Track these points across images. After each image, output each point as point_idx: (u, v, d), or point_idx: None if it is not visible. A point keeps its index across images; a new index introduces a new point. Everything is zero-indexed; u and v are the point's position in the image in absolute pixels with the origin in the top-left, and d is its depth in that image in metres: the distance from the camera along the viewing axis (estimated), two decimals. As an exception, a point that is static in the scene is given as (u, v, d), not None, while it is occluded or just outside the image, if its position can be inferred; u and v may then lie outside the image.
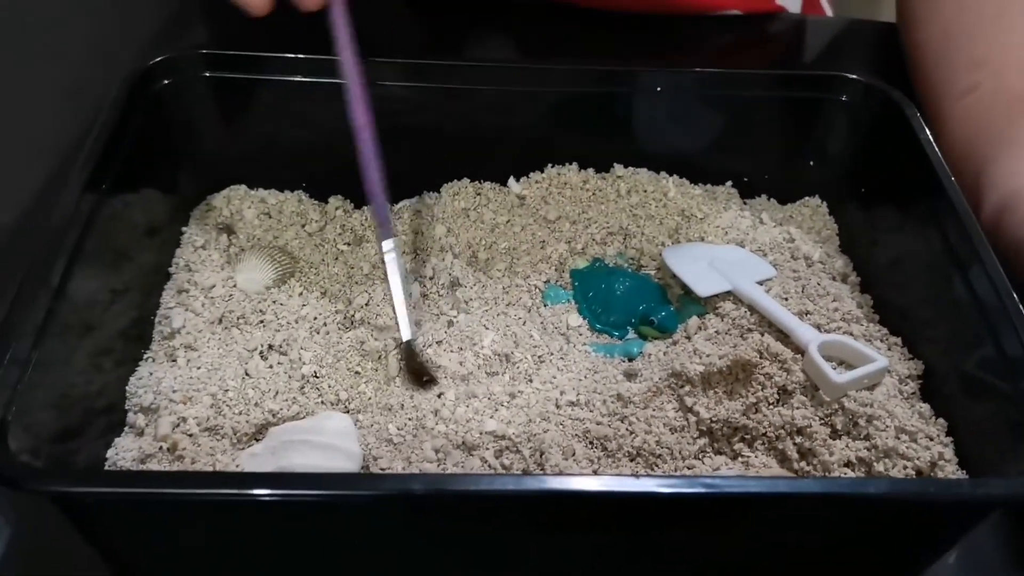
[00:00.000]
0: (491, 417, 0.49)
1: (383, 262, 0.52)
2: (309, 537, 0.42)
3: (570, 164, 0.64)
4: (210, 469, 0.46)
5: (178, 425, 0.48)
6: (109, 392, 0.49)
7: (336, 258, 0.59)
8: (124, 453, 0.47)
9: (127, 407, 0.49)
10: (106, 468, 0.46)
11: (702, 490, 0.39)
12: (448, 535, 0.43)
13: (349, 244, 0.60)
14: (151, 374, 0.51)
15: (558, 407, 0.49)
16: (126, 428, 0.49)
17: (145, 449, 0.47)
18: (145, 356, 0.52)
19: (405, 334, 0.51)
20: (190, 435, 0.47)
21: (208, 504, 0.39)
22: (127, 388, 0.50)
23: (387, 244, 0.53)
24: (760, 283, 0.56)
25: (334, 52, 0.54)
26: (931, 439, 0.48)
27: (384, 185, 0.53)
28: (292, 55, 0.58)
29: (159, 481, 0.40)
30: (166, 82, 0.58)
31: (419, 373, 0.50)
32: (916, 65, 0.68)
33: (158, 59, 0.57)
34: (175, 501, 0.39)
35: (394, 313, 0.52)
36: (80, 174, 0.50)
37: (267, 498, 0.38)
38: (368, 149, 0.53)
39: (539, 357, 0.53)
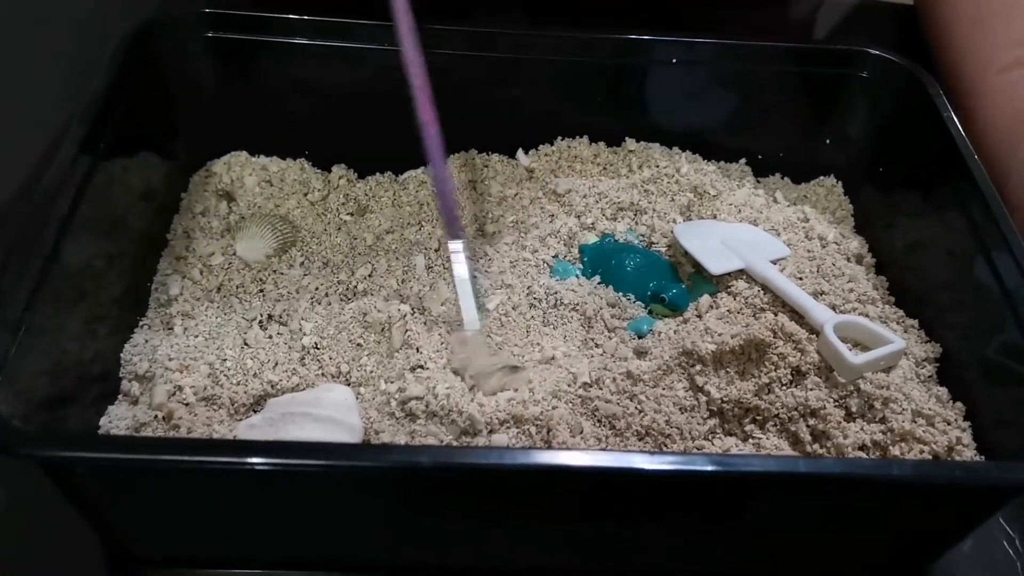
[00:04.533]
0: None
1: (450, 262, 0.49)
2: (307, 512, 0.41)
3: (581, 137, 0.62)
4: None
5: (174, 394, 0.46)
6: (103, 359, 0.48)
7: (339, 228, 0.57)
8: (117, 421, 0.45)
9: (121, 375, 0.48)
10: (99, 435, 0.45)
11: (715, 468, 0.37)
12: (453, 510, 0.42)
13: (352, 214, 0.58)
14: (147, 342, 0.49)
15: (567, 384, 0.48)
16: (120, 396, 0.47)
17: (139, 418, 0.45)
18: (141, 323, 0.51)
19: (473, 326, 0.48)
20: (186, 404, 0.46)
21: (204, 472, 0.38)
22: (121, 355, 0.48)
23: (454, 245, 0.49)
24: (774, 262, 0.54)
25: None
26: (948, 423, 0.47)
27: (453, 183, 0.50)
28: (298, 16, 0.56)
29: (154, 448, 0.38)
30: (166, 42, 0.56)
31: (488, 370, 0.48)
32: (945, 44, 0.66)
33: (157, 18, 0.55)
34: (170, 469, 0.37)
35: (460, 313, 0.49)
36: (75, 136, 0.48)
37: (265, 467, 0.36)
38: (435, 145, 0.50)
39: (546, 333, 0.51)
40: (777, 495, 0.40)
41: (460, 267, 0.49)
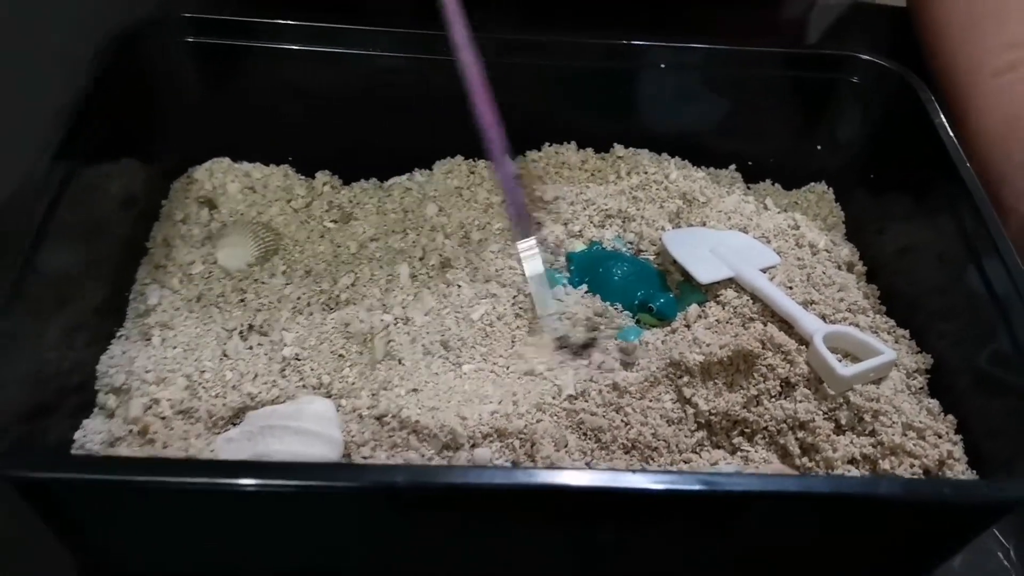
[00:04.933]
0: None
1: (519, 263, 0.48)
2: (285, 527, 0.40)
3: (568, 143, 0.62)
4: (183, 454, 0.43)
5: (150, 407, 0.45)
6: (80, 371, 0.47)
7: (322, 236, 0.57)
8: (92, 436, 0.45)
9: (97, 387, 0.47)
10: (72, 451, 0.44)
11: (701, 488, 0.37)
12: (432, 528, 0.41)
13: (336, 222, 0.58)
14: (123, 353, 0.48)
15: (551, 397, 0.47)
16: (96, 409, 0.46)
17: (114, 432, 0.44)
18: (118, 334, 0.50)
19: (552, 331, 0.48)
20: (163, 418, 0.45)
21: (176, 492, 0.37)
22: (97, 367, 0.48)
23: (523, 244, 0.48)
24: (763, 271, 0.53)
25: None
26: (939, 436, 0.46)
27: (518, 179, 0.48)
28: (282, 21, 0.55)
29: (128, 468, 0.37)
30: (148, 46, 0.55)
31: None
32: (937, 47, 0.66)
33: (139, 22, 0.55)
34: (145, 489, 0.37)
35: (538, 317, 0.49)
36: (53, 141, 0.47)
37: (242, 488, 0.35)
38: (497, 144, 0.48)
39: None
40: (765, 513, 0.40)
41: (535, 263, 0.49)
